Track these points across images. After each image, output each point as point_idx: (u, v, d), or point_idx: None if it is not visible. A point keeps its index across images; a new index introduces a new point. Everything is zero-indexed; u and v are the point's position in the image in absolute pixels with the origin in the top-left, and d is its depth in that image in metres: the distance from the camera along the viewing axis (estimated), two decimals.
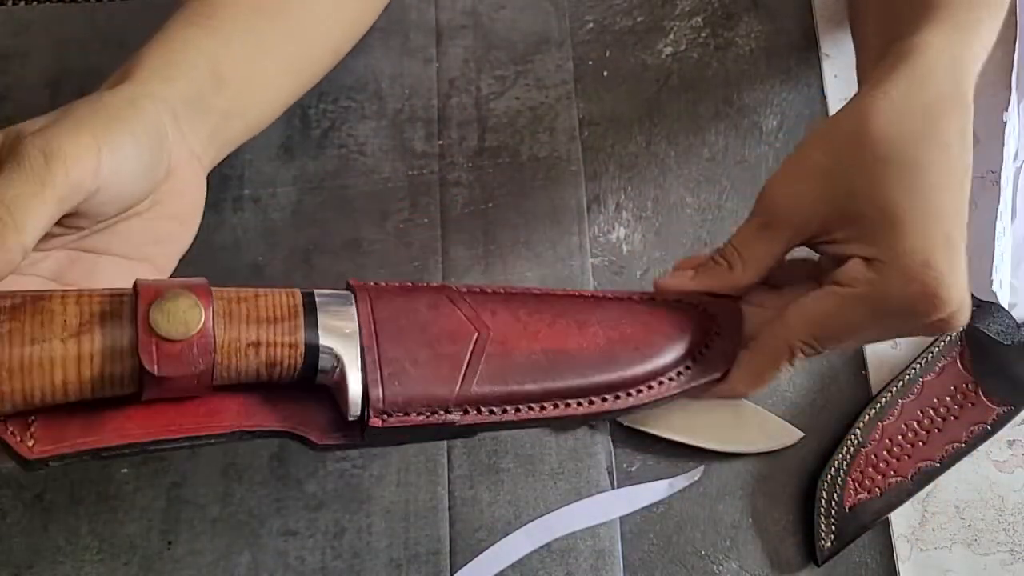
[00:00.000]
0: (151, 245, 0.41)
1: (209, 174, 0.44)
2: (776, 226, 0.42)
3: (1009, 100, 0.59)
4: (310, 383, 0.34)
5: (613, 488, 0.54)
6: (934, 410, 0.55)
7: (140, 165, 0.38)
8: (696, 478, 0.55)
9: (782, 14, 0.65)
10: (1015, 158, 0.59)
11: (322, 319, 0.33)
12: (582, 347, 0.39)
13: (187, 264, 0.57)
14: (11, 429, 0.31)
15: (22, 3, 0.65)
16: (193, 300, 0.31)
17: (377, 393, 0.33)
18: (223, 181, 0.59)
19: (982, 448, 0.54)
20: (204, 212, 0.45)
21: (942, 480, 0.54)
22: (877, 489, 0.53)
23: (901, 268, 0.39)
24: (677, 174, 0.61)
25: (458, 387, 0.35)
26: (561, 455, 0.55)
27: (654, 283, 0.45)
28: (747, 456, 0.55)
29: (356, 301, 0.35)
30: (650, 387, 0.40)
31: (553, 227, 0.59)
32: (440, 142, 0.61)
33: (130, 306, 0.31)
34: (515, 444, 0.55)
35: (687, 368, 0.42)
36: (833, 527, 0.53)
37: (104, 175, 0.35)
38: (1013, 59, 0.60)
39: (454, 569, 0.52)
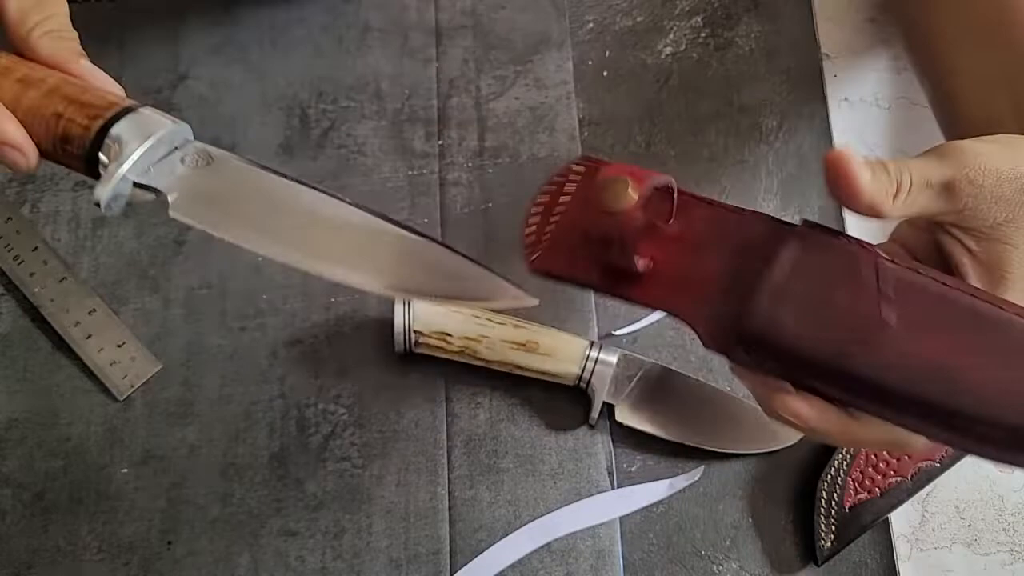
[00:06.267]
0: None
1: None
2: (954, 191, 0.36)
3: None
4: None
5: (613, 488, 0.54)
6: None
7: None
8: (696, 478, 0.55)
9: (782, 14, 0.65)
10: None
11: None
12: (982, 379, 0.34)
13: (186, 261, 0.58)
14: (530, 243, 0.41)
15: None
16: (628, 185, 0.35)
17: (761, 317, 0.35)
18: None
19: None
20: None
21: (942, 480, 0.54)
22: (877, 489, 0.53)
23: None
24: (677, 174, 0.61)
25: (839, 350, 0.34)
26: (561, 455, 0.55)
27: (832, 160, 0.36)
28: (747, 456, 0.55)
29: (789, 241, 0.36)
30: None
31: None
32: (440, 142, 0.61)
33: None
34: (515, 444, 0.55)
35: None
36: (833, 527, 0.53)
37: None
38: None
39: (454, 569, 0.52)
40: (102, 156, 0.37)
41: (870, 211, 0.36)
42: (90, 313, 0.56)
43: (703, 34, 0.65)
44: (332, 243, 0.37)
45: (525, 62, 0.63)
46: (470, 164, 0.61)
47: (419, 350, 0.54)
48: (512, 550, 0.53)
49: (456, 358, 0.54)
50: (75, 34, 0.40)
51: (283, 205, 0.38)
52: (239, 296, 0.57)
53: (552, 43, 0.64)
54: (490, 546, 0.53)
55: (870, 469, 0.53)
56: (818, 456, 0.55)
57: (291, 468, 0.54)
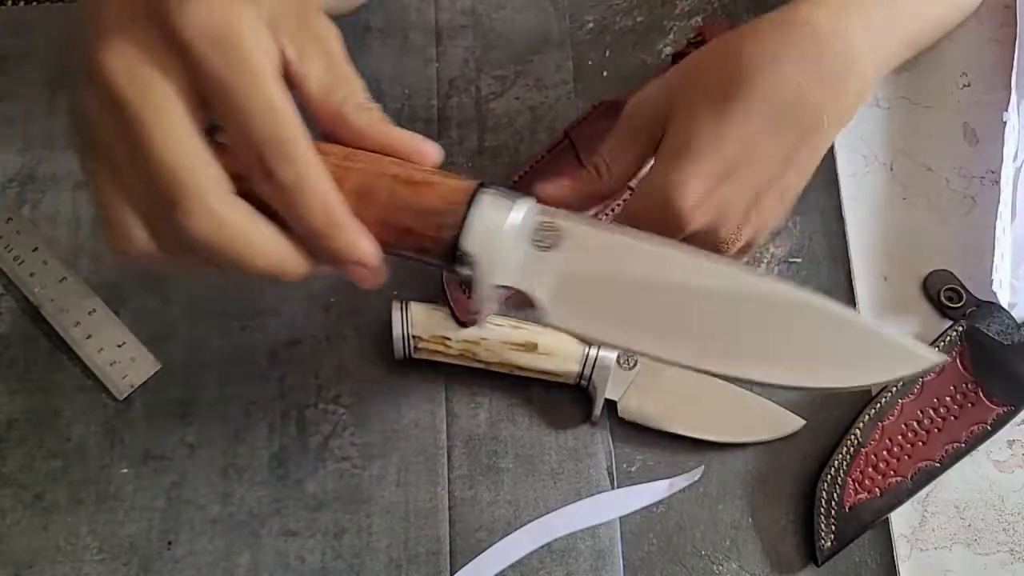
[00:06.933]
0: None
1: None
2: (635, 131, 0.45)
3: (1009, 100, 0.59)
4: None
5: (613, 488, 0.54)
6: (934, 410, 0.55)
7: None
8: (696, 478, 0.55)
9: None
10: (1015, 158, 0.59)
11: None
12: None
13: None
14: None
15: (22, 3, 0.65)
16: None
17: None
18: None
19: (982, 448, 0.54)
20: None
21: (942, 480, 0.54)
22: (877, 489, 0.53)
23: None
24: None
25: None
26: (561, 455, 0.55)
27: (537, 189, 0.46)
28: (747, 455, 0.55)
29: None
30: None
31: None
32: (440, 142, 0.61)
33: None
34: (515, 444, 0.55)
35: None
36: (833, 527, 0.53)
37: None
38: (1013, 59, 0.60)
39: (454, 569, 0.52)
40: (459, 268, 0.36)
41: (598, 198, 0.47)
42: (90, 313, 0.56)
43: None
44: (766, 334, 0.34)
45: (525, 62, 0.63)
46: (470, 164, 0.61)
47: (419, 355, 0.54)
48: (512, 550, 0.53)
49: (456, 361, 0.54)
50: (376, 104, 0.38)
51: (679, 289, 0.34)
52: (239, 296, 0.57)
53: (552, 43, 0.64)
54: (490, 546, 0.53)
55: (870, 469, 0.53)
56: (818, 456, 0.55)
57: (291, 468, 0.54)
